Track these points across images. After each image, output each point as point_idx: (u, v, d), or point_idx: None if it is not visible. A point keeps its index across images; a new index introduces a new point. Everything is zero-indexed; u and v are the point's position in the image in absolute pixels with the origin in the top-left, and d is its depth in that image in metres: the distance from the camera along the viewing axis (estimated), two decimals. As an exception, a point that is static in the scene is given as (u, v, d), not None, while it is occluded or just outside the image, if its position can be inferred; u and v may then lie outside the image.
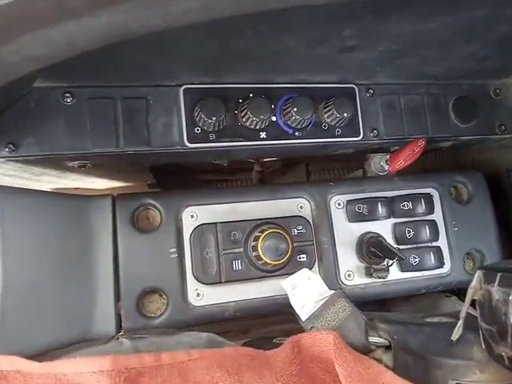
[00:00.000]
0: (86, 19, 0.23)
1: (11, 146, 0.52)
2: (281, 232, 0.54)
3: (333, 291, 0.51)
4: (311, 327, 0.50)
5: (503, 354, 0.32)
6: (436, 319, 0.50)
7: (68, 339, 0.48)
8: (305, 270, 0.52)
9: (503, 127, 0.71)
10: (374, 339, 0.48)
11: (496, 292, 0.32)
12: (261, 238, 0.54)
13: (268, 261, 0.53)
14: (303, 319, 0.51)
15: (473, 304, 0.40)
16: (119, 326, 0.53)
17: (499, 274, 0.32)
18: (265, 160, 0.79)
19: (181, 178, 0.92)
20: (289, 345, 0.47)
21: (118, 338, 0.49)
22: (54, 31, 0.24)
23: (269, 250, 0.53)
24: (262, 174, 0.92)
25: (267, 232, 0.54)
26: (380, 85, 0.66)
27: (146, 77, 0.57)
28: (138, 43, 0.46)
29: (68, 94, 0.54)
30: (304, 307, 0.52)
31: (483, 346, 0.36)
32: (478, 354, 0.38)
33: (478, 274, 0.35)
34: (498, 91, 0.71)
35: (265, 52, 0.53)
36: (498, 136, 0.71)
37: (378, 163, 0.69)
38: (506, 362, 0.31)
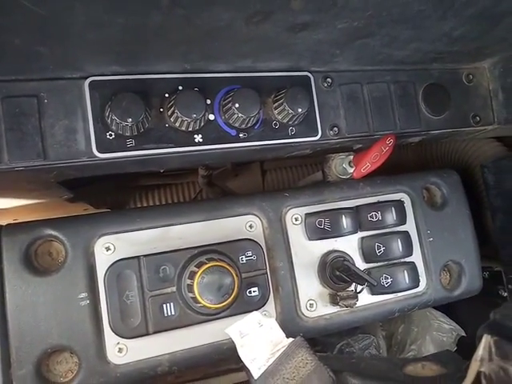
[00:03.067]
0: None
1: None
2: (223, 265, 0.42)
3: (291, 339, 0.40)
4: (266, 388, 0.39)
5: None
6: (419, 366, 0.40)
7: None
8: (255, 314, 0.41)
9: (477, 118, 0.63)
10: (344, 403, 0.37)
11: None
12: (197, 275, 0.41)
13: (207, 304, 0.41)
14: (255, 377, 0.40)
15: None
16: (12, 404, 0.40)
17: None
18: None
19: (109, 186, 0.77)
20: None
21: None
22: None
23: (208, 289, 0.41)
24: (210, 177, 0.80)
25: (206, 266, 0.41)
26: (339, 72, 0.55)
27: (35, 67, 0.42)
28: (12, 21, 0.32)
29: None
30: (255, 361, 0.41)
31: None
32: None
33: (487, 340, 0.25)
34: (470, 77, 0.63)
35: (191, 31, 0.40)
36: (472, 128, 0.63)
37: (341, 165, 0.59)
38: None
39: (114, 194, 0.80)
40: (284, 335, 0.41)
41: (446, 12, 0.44)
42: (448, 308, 0.79)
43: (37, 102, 0.43)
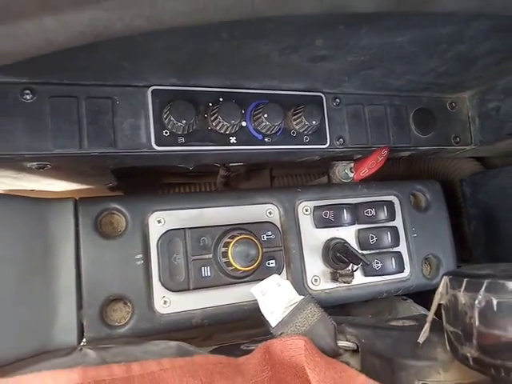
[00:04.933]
0: (66, 15, 0.22)
1: (-36, 142, 0.49)
2: (251, 238, 0.54)
3: (302, 297, 0.51)
4: (281, 333, 0.50)
5: (468, 354, 0.33)
6: (400, 322, 0.51)
7: (27, 351, 0.45)
8: (275, 276, 0.52)
9: (458, 139, 0.76)
10: (342, 343, 0.49)
11: (462, 296, 0.34)
12: (231, 244, 0.53)
13: (238, 267, 0.53)
14: (273, 325, 0.51)
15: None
16: (81, 336, 0.51)
17: (465, 280, 0.34)
18: (231, 165, 0.78)
19: (143, 181, 0.89)
20: (259, 351, 0.47)
21: (81, 349, 0.46)
22: (29, 26, 0.23)
23: (239, 256, 0.53)
24: (228, 178, 0.92)
25: (237, 238, 0.53)
26: (346, 94, 0.68)
27: (112, 76, 0.55)
28: (109, 41, 0.45)
29: (28, 91, 0.51)
30: (273, 313, 0.52)
31: (448, 348, 0.38)
32: (442, 354, 0.40)
33: (445, 279, 0.37)
34: (453, 104, 0.76)
35: (238, 57, 0.53)
36: (453, 147, 0.76)
37: (343, 171, 0.71)
38: (471, 362, 0.33)
39: (144, 188, 0.92)
40: (296, 293, 0.52)
41: (432, 53, 0.57)
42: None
43: (111, 103, 0.55)
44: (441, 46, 0.55)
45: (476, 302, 0.32)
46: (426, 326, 0.40)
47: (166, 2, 0.22)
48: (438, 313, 0.42)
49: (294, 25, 0.45)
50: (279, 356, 0.47)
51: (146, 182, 0.91)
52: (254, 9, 0.24)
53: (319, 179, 0.78)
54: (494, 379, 0.31)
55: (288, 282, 0.53)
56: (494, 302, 0.31)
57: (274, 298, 0.52)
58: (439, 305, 0.39)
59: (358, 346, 0.49)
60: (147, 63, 0.52)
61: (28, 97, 0.51)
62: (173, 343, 0.47)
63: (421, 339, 0.41)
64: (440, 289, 0.38)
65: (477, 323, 0.32)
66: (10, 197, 0.51)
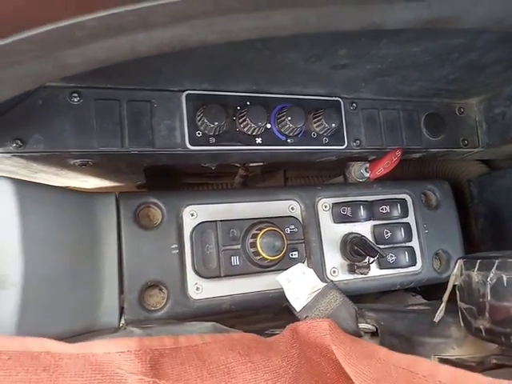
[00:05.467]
0: (157, 31, 0.27)
1: (18, 141, 0.54)
2: (277, 230, 0.59)
3: (325, 284, 0.56)
4: (306, 316, 0.54)
5: (481, 327, 0.38)
6: (415, 307, 0.56)
7: (77, 329, 0.50)
8: (300, 265, 0.57)
9: (466, 142, 0.80)
10: (363, 325, 0.53)
11: (476, 276, 0.38)
12: (259, 235, 0.58)
13: (266, 256, 0.58)
14: (298, 310, 0.56)
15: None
16: (121, 319, 0.56)
17: (478, 261, 0.38)
18: (252, 165, 0.83)
19: (165, 180, 0.94)
20: (288, 331, 0.51)
21: (125, 328, 0.51)
22: (124, 39, 0.28)
23: (267, 246, 0.58)
24: (246, 178, 0.97)
25: (265, 230, 0.58)
26: (363, 99, 0.73)
27: (151, 81, 0.60)
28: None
29: (75, 94, 0.57)
30: (298, 299, 0.56)
31: (462, 324, 0.42)
32: (456, 332, 0.45)
33: (459, 262, 0.42)
34: (462, 110, 0.81)
35: (267, 65, 0.58)
36: (461, 149, 0.81)
37: (359, 170, 0.76)
38: (484, 334, 0.38)
39: (166, 187, 0.97)
40: (319, 281, 0.56)
41: (444, 62, 0.62)
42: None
43: (149, 106, 0.60)
44: (452, 55, 0.60)
45: (488, 279, 0.36)
46: (442, 306, 0.45)
47: (239, 21, 0.27)
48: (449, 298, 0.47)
49: (323, 37, 0.50)
50: (305, 337, 0.52)
51: (168, 181, 0.96)
52: (307, 27, 0.28)
53: (335, 179, 0.82)
54: (504, 346, 0.36)
55: (311, 271, 0.57)
56: (505, 278, 0.35)
57: (299, 285, 0.57)
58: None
59: (376, 329, 0.53)
60: (184, 70, 0.58)
61: (75, 99, 0.57)
62: (208, 324, 0.52)
63: (436, 318, 0.45)
64: (455, 271, 0.42)
65: (489, 298, 0.36)
66: (66, 190, 0.56)
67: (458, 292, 0.42)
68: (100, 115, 0.57)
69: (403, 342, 0.48)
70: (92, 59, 0.31)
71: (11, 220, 0.42)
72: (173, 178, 0.97)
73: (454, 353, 0.44)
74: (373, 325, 0.54)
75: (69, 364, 0.38)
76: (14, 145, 0.54)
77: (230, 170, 0.97)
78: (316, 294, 0.56)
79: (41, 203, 0.46)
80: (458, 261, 0.42)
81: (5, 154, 0.54)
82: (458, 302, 0.42)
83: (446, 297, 0.44)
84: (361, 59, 0.58)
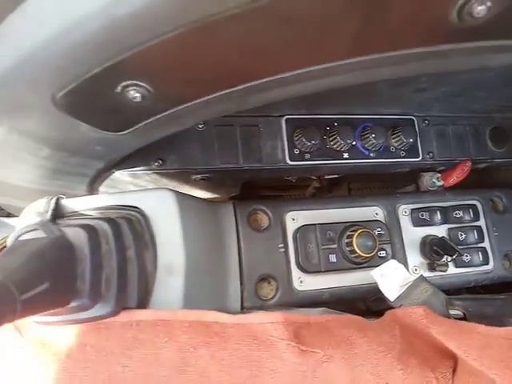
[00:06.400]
0: (327, 79, 0.39)
1: (160, 161, 0.67)
2: (370, 231, 0.68)
3: (416, 276, 0.65)
4: (400, 305, 0.63)
5: None
6: (501, 296, 0.64)
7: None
8: (393, 261, 0.66)
9: (529, 153, 0.88)
10: (452, 312, 0.62)
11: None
12: (355, 236, 0.68)
13: (361, 254, 0.67)
14: (392, 300, 0.65)
15: None
16: (242, 306, 0.67)
17: None
18: (326, 177, 0.93)
19: (248, 192, 1.06)
20: (388, 316, 0.60)
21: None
22: (302, 86, 0.39)
23: (362, 245, 0.67)
24: (318, 189, 1.07)
25: (360, 231, 0.68)
26: (433, 117, 0.82)
27: (258, 109, 0.72)
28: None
29: (201, 122, 0.69)
30: (391, 291, 0.65)
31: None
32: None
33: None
34: (524, 123, 0.89)
35: (358, 92, 0.69)
36: (524, 160, 0.88)
37: (430, 180, 0.85)
38: None
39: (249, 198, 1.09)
40: (410, 275, 0.66)
41: (507, 83, 0.71)
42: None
43: (257, 129, 0.72)
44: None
45: None
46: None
47: (386, 70, 0.37)
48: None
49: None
50: (402, 321, 0.61)
51: (249, 194, 1.08)
52: (435, 69, 0.39)
53: (407, 187, 0.91)
54: None
55: (403, 266, 0.66)
56: None
57: (391, 278, 0.66)
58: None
59: (464, 314, 0.62)
60: (286, 100, 0.69)
61: (200, 126, 0.69)
62: (319, 309, 0.62)
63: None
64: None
65: None
66: (203, 200, 0.67)
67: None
68: (220, 138, 0.70)
69: (493, 322, 0.56)
70: (268, 100, 0.42)
71: (175, 221, 0.54)
72: (251, 191, 1.09)
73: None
74: (461, 311, 0.62)
75: (232, 331, 0.49)
76: (156, 164, 0.67)
77: (303, 183, 1.09)
78: (408, 285, 0.65)
79: (190, 209, 0.58)
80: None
81: (147, 171, 0.68)
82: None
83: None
84: (438, 84, 0.68)
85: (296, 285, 0.69)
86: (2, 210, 0.97)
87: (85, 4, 0.30)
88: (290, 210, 0.72)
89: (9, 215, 1.03)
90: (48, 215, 0.48)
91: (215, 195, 0.91)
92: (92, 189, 0.69)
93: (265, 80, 0.36)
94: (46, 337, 0.48)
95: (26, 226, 0.45)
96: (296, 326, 0.51)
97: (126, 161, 0.64)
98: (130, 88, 0.36)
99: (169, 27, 0.28)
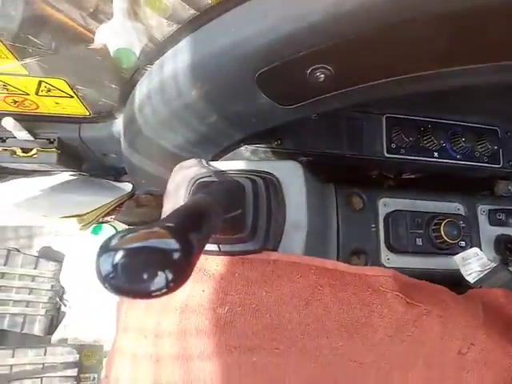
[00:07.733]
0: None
1: (279, 141, 0.79)
2: (456, 221, 0.77)
3: (495, 264, 0.73)
4: (480, 286, 0.72)
5: None
6: None
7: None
8: (475, 248, 0.75)
9: None
10: (530, 297, 0.69)
11: None
12: (443, 224, 0.77)
13: (447, 240, 0.76)
14: (471, 282, 0.73)
15: None
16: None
17: None
18: (403, 177, 1.03)
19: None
20: (470, 293, 0.69)
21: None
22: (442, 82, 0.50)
23: (449, 232, 0.76)
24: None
25: (447, 220, 0.77)
26: (516, 130, 0.91)
27: (363, 106, 0.83)
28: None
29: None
30: (471, 274, 0.74)
31: None
32: None
33: None
34: None
35: (453, 99, 0.78)
36: None
37: (506, 187, 0.93)
38: None
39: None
40: (490, 261, 0.74)
41: None
42: None
43: (361, 123, 0.83)
44: None
45: None
46: None
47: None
48: None
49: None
50: (483, 299, 0.69)
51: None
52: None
53: (482, 192, 1.00)
54: None
55: (483, 254, 0.75)
56: None
57: (473, 263, 0.75)
58: None
59: (540, 301, 0.69)
60: (388, 100, 0.80)
61: (314, 116, 0.81)
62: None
63: None
64: None
65: None
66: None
67: None
68: (329, 128, 0.81)
69: None
70: (415, 90, 0.53)
71: (301, 187, 0.66)
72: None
73: None
74: (537, 298, 0.70)
75: (350, 279, 0.60)
76: (276, 143, 0.79)
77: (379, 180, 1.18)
78: (488, 271, 0.73)
79: (310, 181, 0.70)
80: None
81: (267, 149, 0.80)
82: None
83: None
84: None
85: (383, 261, 0.79)
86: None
87: (310, 2, 0.41)
88: (383, 197, 0.82)
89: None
90: (210, 168, 0.61)
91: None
92: (213, 160, 0.82)
93: (427, 73, 0.47)
94: (201, 264, 0.60)
95: (201, 173, 0.58)
96: (403, 283, 0.61)
97: (255, 138, 0.76)
98: (318, 70, 0.48)
99: (383, 22, 0.39)
